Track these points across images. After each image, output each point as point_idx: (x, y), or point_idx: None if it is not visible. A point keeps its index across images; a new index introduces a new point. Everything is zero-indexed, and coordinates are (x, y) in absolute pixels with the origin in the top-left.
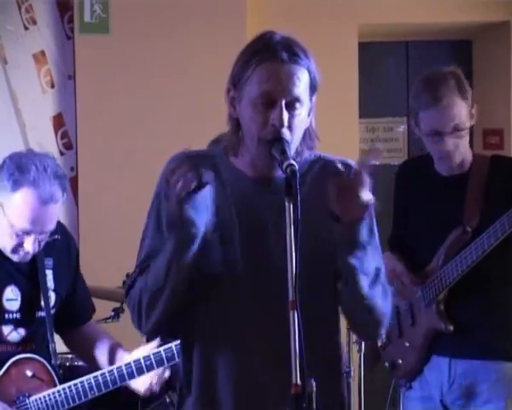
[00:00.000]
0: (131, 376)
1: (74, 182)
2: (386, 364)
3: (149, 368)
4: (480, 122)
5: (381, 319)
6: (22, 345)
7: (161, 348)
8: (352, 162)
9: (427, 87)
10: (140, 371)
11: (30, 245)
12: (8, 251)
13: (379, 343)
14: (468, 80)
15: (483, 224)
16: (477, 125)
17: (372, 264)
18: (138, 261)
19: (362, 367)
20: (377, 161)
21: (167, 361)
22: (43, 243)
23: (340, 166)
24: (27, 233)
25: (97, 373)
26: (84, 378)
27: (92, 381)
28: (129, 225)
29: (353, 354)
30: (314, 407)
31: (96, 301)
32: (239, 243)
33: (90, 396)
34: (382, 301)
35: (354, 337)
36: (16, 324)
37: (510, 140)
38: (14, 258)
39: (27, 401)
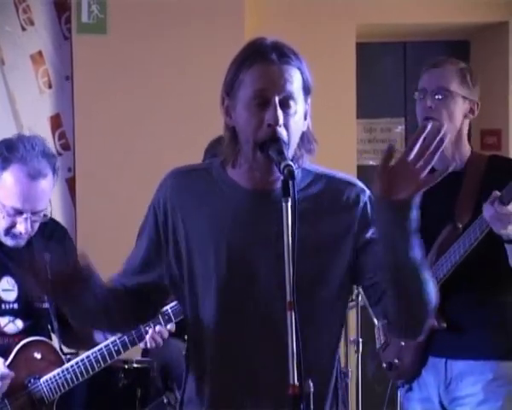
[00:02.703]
0: (133, 343)
1: (72, 183)
2: (384, 365)
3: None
4: (478, 122)
5: (431, 304)
6: (20, 336)
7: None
8: (357, 182)
9: (434, 59)
10: (141, 338)
11: (22, 226)
12: (1, 234)
13: (377, 345)
14: None
15: (474, 221)
16: (475, 126)
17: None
18: None
19: (359, 368)
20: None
21: (165, 325)
22: (36, 225)
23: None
24: (19, 213)
25: (101, 346)
26: (89, 353)
27: (98, 354)
28: (127, 226)
29: (351, 355)
30: (312, 407)
31: None
32: (228, 256)
33: (97, 369)
34: (430, 284)
35: (352, 338)
36: (14, 314)
37: (508, 140)
38: (8, 242)
39: (38, 382)
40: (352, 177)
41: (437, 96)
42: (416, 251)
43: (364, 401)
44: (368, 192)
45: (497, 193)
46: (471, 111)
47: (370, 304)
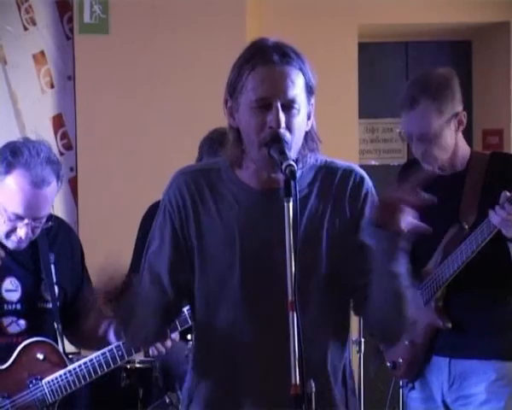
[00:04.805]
0: (137, 349)
1: (74, 182)
2: (388, 364)
3: None
4: (480, 122)
5: (409, 323)
6: (23, 336)
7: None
8: (357, 168)
9: (408, 88)
10: None
11: (23, 231)
12: (1, 237)
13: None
14: (468, 81)
15: (480, 220)
16: (477, 126)
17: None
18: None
19: (362, 367)
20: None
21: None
22: (37, 231)
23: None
24: (20, 218)
25: (105, 350)
26: (92, 356)
27: (101, 358)
28: (128, 226)
29: (353, 355)
30: (313, 407)
31: None
32: (241, 258)
33: (99, 373)
34: (413, 304)
35: (354, 338)
36: (17, 314)
37: (510, 140)
38: (8, 245)
39: (40, 383)
40: (352, 164)
41: (424, 142)
42: (402, 272)
43: (367, 400)
44: (367, 180)
45: (508, 194)
46: (460, 123)
47: (355, 306)
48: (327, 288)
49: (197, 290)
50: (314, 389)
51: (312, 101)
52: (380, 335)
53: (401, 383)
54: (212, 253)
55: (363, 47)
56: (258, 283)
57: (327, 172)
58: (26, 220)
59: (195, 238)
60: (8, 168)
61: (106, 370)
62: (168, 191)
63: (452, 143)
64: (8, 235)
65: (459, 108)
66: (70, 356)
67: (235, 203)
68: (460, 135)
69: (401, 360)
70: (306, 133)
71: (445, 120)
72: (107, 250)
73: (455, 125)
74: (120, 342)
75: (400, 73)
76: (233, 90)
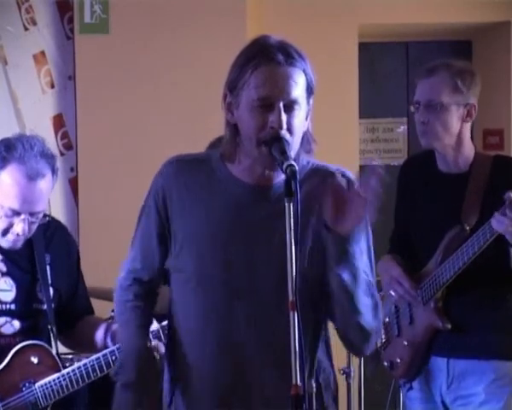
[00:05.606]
0: None
1: (74, 182)
2: (385, 363)
3: None
4: (480, 122)
5: (369, 333)
6: (17, 337)
7: (158, 326)
8: (350, 174)
9: (432, 62)
10: None
11: (20, 227)
12: None
13: (378, 344)
14: None
15: (481, 222)
16: (477, 126)
17: (362, 277)
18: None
19: (362, 368)
20: (377, 162)
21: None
22: (34, 227)
23: (340, 177)
24: (17, 214)
25: (99, 355)
26: (86, 361)
27: (95, 363)
28: (129, 226)
29: (353, 355)
30: (314, 407)
31: (96, 302)
32: (226, 249)
33: (93, 378)
34: (371, 315)
35: None
36: (11, 315)
37: (510, 140)
38: (4, 243)
39: (33, 387)
40: (343, 168)
41: (429, 110)
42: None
43: (367, 400)
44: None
45: (511, 195)
46: (468, 115)
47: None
48: (305, 284)
49: (175, 283)
50: (315, 389)
51: (311, 101)
52: (343, 342)
53: (400, 382)
54: (196, 244)
55: (363, 47)
56: (241, 278)
57: (317, 174)
58: (22, 216)
59: (180, 229)
60: (3, 163)
61: (99, 374)
62: (158, 179)
63: (456, 129)
64: (4, 232)
65: (473, 100)
66: (69, 356)
67: (225, 196)
68: (468, 131)
69: (399, 360)
70: (303, 133)
71: (455, 101)
72: (108, 250)
73: (463, 113)
74: (115, 347)
75: (400, 73)
76: (234, 86)
